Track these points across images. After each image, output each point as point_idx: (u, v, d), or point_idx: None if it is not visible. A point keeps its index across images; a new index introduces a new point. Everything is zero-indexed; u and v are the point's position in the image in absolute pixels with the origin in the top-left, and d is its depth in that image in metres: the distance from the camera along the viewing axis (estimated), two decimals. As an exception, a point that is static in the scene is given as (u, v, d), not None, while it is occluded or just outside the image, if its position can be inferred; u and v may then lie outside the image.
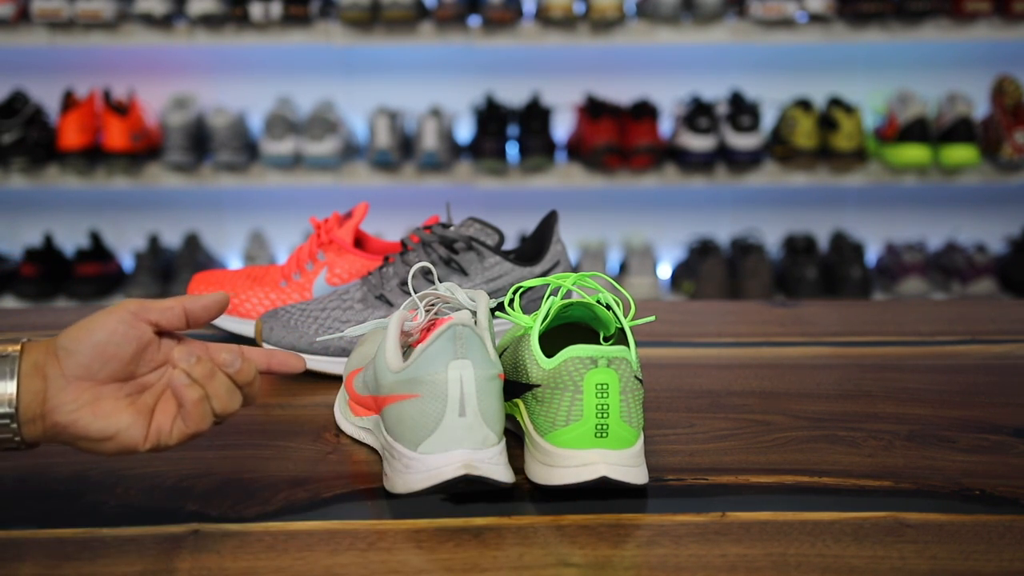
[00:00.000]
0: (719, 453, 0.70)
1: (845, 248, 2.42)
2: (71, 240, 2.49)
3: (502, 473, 0.61)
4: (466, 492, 0.62)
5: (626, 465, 0.62)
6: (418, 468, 0.61)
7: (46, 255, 2.41)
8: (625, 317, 0.67)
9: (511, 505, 0.62)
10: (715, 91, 2.44)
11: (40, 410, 0.57)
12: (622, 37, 2.29)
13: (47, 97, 2.36)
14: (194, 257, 2.41)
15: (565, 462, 0.62)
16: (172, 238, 2.51)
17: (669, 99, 2.44)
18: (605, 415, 0.62)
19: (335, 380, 0.80)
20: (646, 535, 0.60)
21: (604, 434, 0.62)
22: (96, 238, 2.45)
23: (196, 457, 0.68)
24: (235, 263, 2.55)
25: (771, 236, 2.53)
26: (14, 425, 0.57)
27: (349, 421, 0.72)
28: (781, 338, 0.96)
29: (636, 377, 0.64)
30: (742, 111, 2.34)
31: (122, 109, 2.31)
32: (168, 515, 0.60)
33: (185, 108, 2.36)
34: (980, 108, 2.41)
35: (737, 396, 0.80)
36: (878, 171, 2.36)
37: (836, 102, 2.40)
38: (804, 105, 2.38)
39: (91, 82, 2.38)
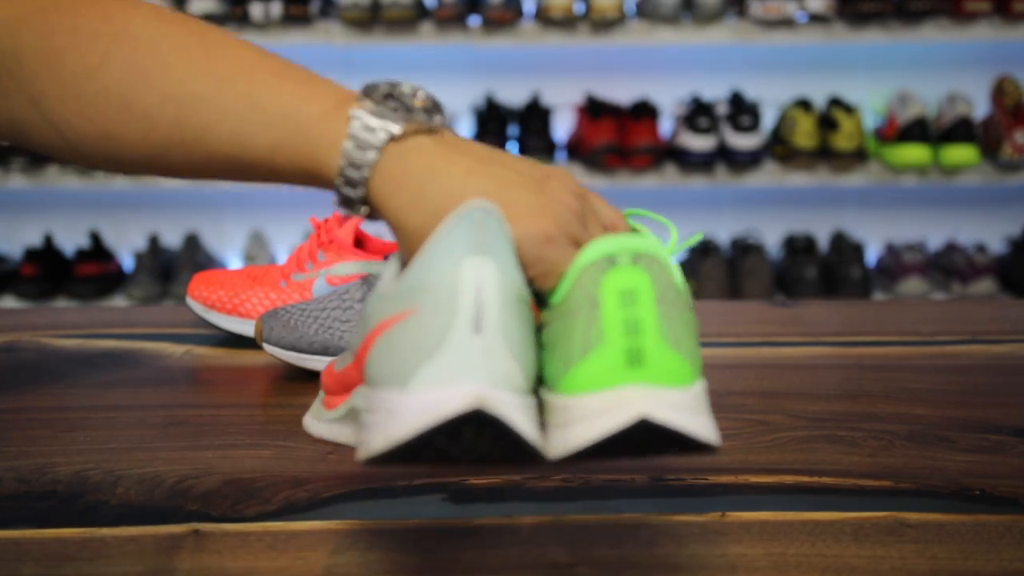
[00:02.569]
0: (719, 453, 0.69)
1: (845, 248, 2.42)
2: (71, 240, 2.49)
3: (529, 426, 0.43)
4: (466, 489, 0.62)
5: (677, 406, 0.44)
6: (406, 409, 0.42)
7: (46, 255, 2.41)
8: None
9: (511, 505, 0.62)
10: (715, 91, 2.44)
11: None
12: (622, 37, 2.29)
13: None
14: (194, 257, 2.41)
15: (584, 411, 0.45)
16: (172, 238, 2.51)
17: (669, 99, 2.44)
18: (637, 332, 0.44)
19: (335, 380, 0.80)
20: (646, 535, 0.60)
21: (639, 361, 0.44)
22: (96, 238, 2.45)
23: (196, 457, 0.68)
24: (235, 263, 2.56)
25: (771, 236, 2.53)
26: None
27: (320, 420, 0.60)
28: (781, 338, 0.96)
29: (677, 288, 0.48)
30: (742, 111, 2.34)
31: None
32: (168, 515, 0.60)
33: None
34: (980, 108, 2.41)
35: (737, 396, 0.80)
36: (878, 171, 2.36)
37: (836, 102, 2.40)
38: (804, 105, 2.39)
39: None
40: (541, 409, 0.48)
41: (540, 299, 0.50)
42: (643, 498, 0.63)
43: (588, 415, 0.44)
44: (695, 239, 0.56)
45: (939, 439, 0.72)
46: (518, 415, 0.43)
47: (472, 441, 0.43)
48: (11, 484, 0.64)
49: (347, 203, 0.53)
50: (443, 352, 0.43)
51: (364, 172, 0.52)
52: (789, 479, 0.66)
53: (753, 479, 0.66)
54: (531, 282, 0.50)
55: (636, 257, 0.46)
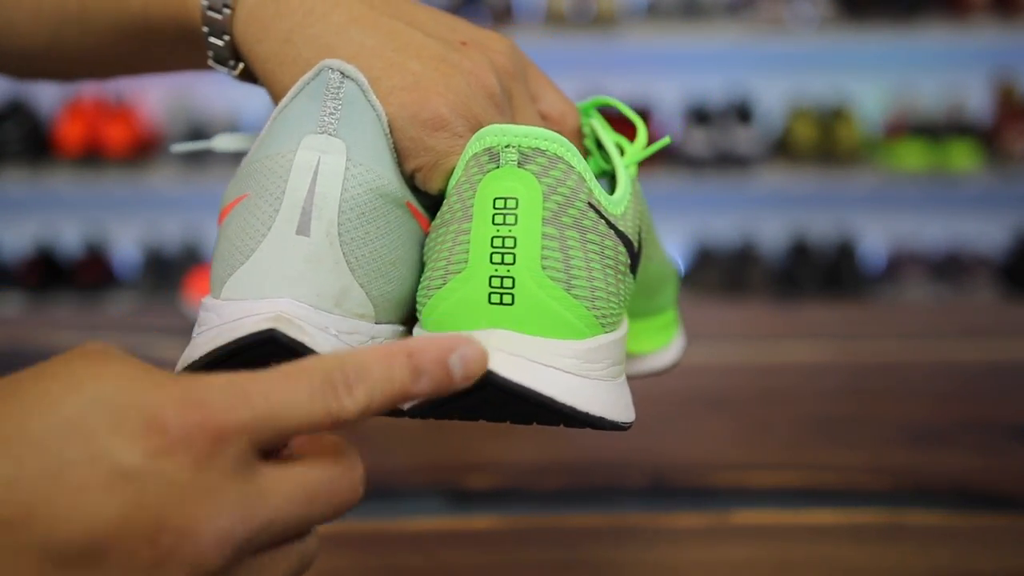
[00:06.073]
0: (719, 453, 0.70)
1: (845, 248, 2.42)
2: (69, 242, 2.49)
3: None
4: (466, 491, 0.62)
5: (546, 363, 0.32)
6: (210, 323, 0.34)
7: (44, 256, 2.41)
8: (628, 151, 0.43)
9: (511, 506, 0.62)
10: (715, 91, 2.44)
11: None
12: (623, 37, 2.29)
13: (46, 97, 2.36)
14: (194, 258, 2.41)
15: None
16: (171, 239, 2.51)
17: (669, 99, 2.44)
18: (507, 258, 0.33)
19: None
20: (646, 536, 0.60)
21: (507, 298, 0.32)
22: (94, 239, 2.45)
23: (195, 458, 0.68)
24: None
25: (772, 236, 2.53)
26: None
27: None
28: (781, 338, 0.96)
29: (591, 204, 0.34)
30: (742, 111, 2.34)
31: (122, 109, 2.31)
32: (167, 516, 0.60)
33: (185, 108, 2.36)
34: (981, 108, 2.41)
35: (737, 396, 0.80)
36: (879, 171, 2.36)
37: (836, 102, 2.40)
38: (804, 105, 2.39)
39: (91, 82, 2.38)
40: None
41: (436, 206, 0.38)
42: (643, 498, 0.63)
43: None
44: (662, 143, 0.44)
45: (939, 439, 0.72)
46: (333, 347, 0.32)
47: (274, 360, 0.32)
48: (10, 485, 0.64)
49: (219, 58, 0.43)
50: (259, 253, 0.33)
51: (226, 12, 0.41)
52: (789, 479, 0.66)
53: (753, 479, 0.66)
54: (412, 178, 0.38)
55: (527, 155, 0.33)
